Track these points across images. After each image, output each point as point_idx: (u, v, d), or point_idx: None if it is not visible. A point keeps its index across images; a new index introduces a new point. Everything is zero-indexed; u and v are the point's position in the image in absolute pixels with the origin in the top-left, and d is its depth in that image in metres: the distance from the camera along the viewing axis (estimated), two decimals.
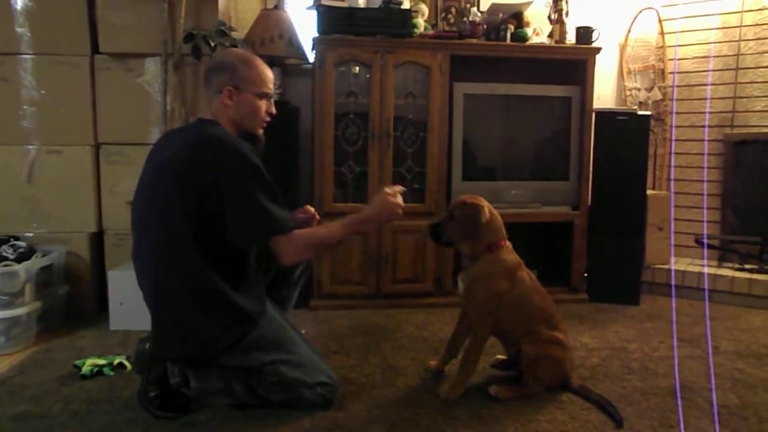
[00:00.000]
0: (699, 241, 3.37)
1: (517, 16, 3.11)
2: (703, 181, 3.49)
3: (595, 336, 2.53)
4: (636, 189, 3.09)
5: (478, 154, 3.09)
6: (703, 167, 3.48)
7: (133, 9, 2.63)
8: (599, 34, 3.09)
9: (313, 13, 2.85)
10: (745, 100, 3.38)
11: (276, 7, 3.08)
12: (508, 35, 3.04)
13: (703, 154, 3.48)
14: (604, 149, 3.07)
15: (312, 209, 2.00)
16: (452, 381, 1.91)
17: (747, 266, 3.17)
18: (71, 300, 2.62)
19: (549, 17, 3.16)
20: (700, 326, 2.68)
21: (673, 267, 3.24)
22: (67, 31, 2.62)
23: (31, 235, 2.60)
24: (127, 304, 2.42)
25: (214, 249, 1.63)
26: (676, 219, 3.41)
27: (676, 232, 3.41)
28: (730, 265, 3.25)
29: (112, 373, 2.02)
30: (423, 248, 2.93)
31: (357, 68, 2.93)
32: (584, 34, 3.07)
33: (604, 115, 3.09)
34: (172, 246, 1.63)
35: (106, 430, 1.65)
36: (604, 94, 3.64)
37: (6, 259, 2.32)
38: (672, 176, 3.59)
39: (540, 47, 3.08)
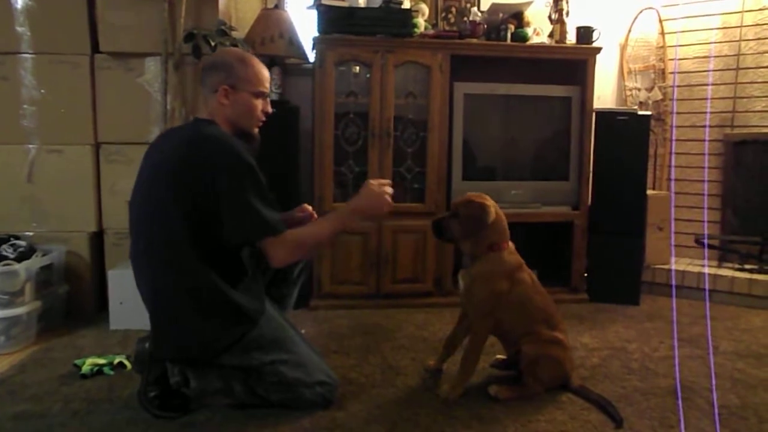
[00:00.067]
0: (699, 241, 3.37)
1: (517, 16, 3.11)
2: (703, 181, 3.49)
3: (595, 336, 2.53)
4: (636, 189, 3.08)
5: (479, 154, 3.09)
6: (703, 167, 3.48)
7: (133, 8, 2.63)
8: (599, 34, 3.09)
9: (314, 13, 2.85)
10: (745, 100, 3.38)
11: (276, 6, 3.08)
12: (509, 35, 3.04)
13: (703, 154, 3.48)
14: (605, 149, 3.07)
15: (309, 208, 2.00)
16: (452, 381, 1.91)
17: (747, 266, 3.17)
18: (71, 299, 2.62)
19: (549, 17, 3.16)
20: (700, 326, 2.68)
21: (673, 267, 3.24)
22: (68, 31, 2.62)
23: (31, 234, 2.60)
24: (127, 303, 2.42)
25: (211, 248, 1.63)
26: (676, 219, 3.41)
27: (676, 232, 3.41)
28: (730, 265, 3.25)
29: (112, 373, 2.02)
30: (423, 248, 2.93)
31: (357, 68, 2.93)
32: (585, 34, 3.07)
33: (604, 115, 3.09)
34: (169, 245, 1.63)
35: (106, 429, 1.65)
36: (605, 94, 3.64)
37: (6, 258, 2.32)
38: (672, 176, 3.59)
39: (540, 47, 3.08)
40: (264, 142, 2.66)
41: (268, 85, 1.82)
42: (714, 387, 2.00)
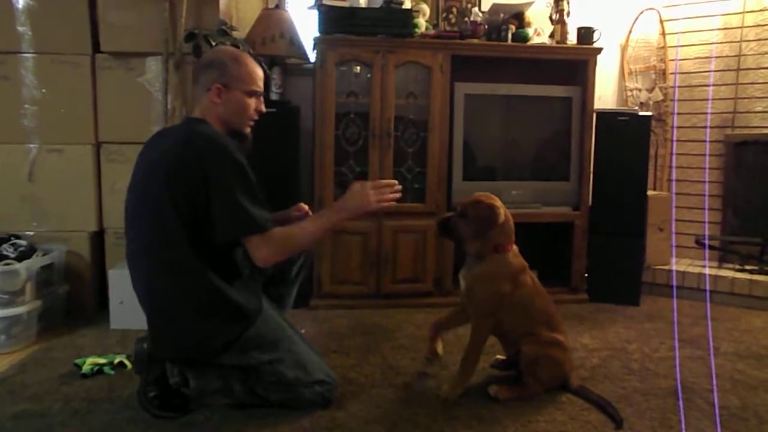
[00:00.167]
0: (699, 242, 3.37)
1: (518, 17, 3.11)
2: (703, 181, 3.48)
3: (595, 336, 2.53)
4: (637, 189, 3.08)
5: (479, 154, 3.09)
6: (704, 168, 3.48)
7: (134, 8, 2.63)
8: (600, 34, 3.09)
9: (314, 13, 2.85)
10: (746, 101, 3.38)
11: (277, 6, 3.08)
12: (509, 35, 3.04)
13: (704, 154, 3.48)
14: (605, 150, 3.07)
15: (306, 207, 1.99)
16: (452, 381, 1.91)
17: (747, 267, 3.17)
18: (72, 299, 2.62)
19: (550, 17, 3.16)
20: (700, 327, 2.67)
21: (673, 268, 3.24)
22: (69, 30, 2.62)
23: (31, 233, 2.60)
24: (128, 303, 2.41)
25: (208, 247, 1.63)
26: (676, 220, 3.41)
27: (676, 233, 3.41)
28: (731, 266, 3.25)
29: (112, 372, 2.02)
30: (423, 248, 2.92)
31: (358, 68, 2.93)
32: (585, 34, 3.07)
33: (605, 116, 3.09)
34: (165, 245, 1.63)
35: (107, 429, 1.65)
36: (605, 94, 3.64)
37: (7, 257, 2.32)
38: (673, 177, 3.59)
39: (541, 47, 3.08)
40: (265, 141, 2.67)
41: (261, 84, 1.81)
42: (714, 388, 2.00)
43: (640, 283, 3.11)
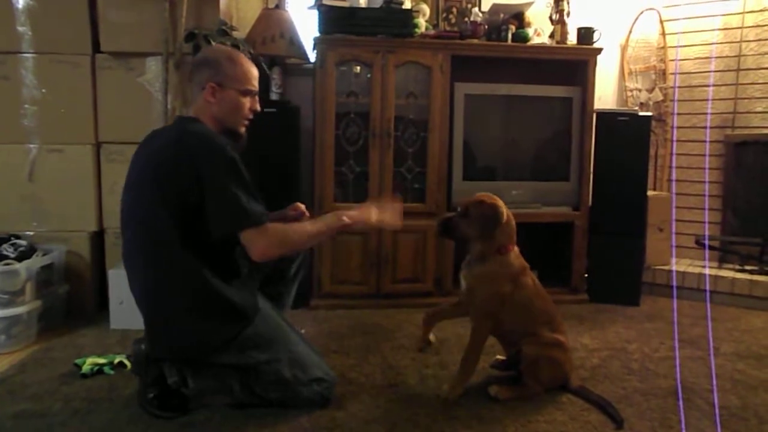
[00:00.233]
0: (700, 242, 3.37)
1: (518, 17, 3.11)
2: (703, 182, 3.48)
3: (595, 336, 2.53)
4: (637, 190, 3.08)
5: (479, 154, 3.09)
6: (703, 168, 3.48)
7: (134, 8, 2.63)
8: (600, 34, 3.09)
9: (314, 13, 2.85)
10: (746, 101, 3.38)
11: (277, 6, 3.08)
12: (509, 35, 3.04)
13: (704, 155, 3.48)
14: (605, 150, 3.07)
15: (302, 206, 1.99)
16: (452, 381, 1.91)
17: (747, 267, 3.17)
18: (72, 299, 2.62)
19: (550, 18, 3.16)
20: (700, 327, 2.67)
21: (673, 268, 3.24)
22: (69, 30, 2.62)
23: (31, 233, 2.60)
24: (128, 303, 2.39)
25: (202, 245, 1.62)
26: (676, 220, 3.41)
27: (676, 233, 3.41)
28: (731, 266, 3.25)
29: (112, 372, 2.02)
30: (423, 248, 2.93)
31: (358, 68, 2.93)
32: (585, 34, 3.07)
33: (605, 116, 3.09)
34: (160, 245, 1.62)
35: (107, 428, 1.65)
36: (605, 94, 3.64)
37: (7, 257, 2.32)
38: (673, 177, 3.59)
39: (541, 48, 3.08)
40: (265, 141, 2.68)
41: (256, 83, 1.80)
42: (714, 388, 2.00)
43: (640, 283, 3.11)
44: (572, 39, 3.11)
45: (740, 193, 3.35)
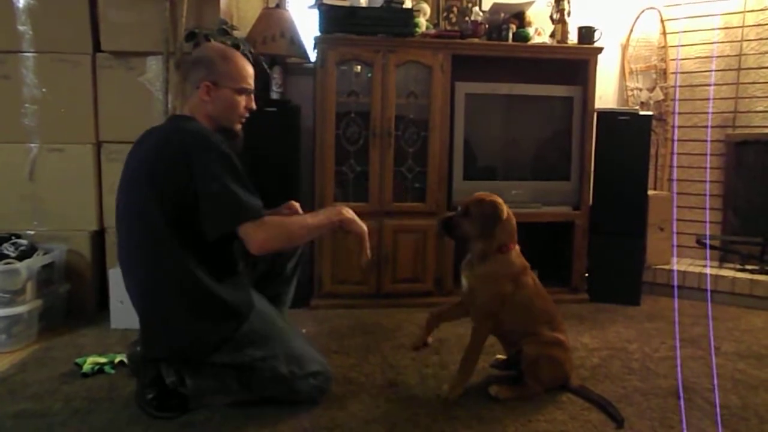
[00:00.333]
0: (700, 242, 3.37)
1: (519, 16, 3.10)
2: (704, 181, 3.48)
3: (596, 336, 2.53)
4: (637, 189, 3.08)
5: (480, 153, 3.09)
6: (704, 168, 3.48)
7: (134, 7, 2.63)
8: (601, 33, 3.09)
9: (315, 12, 2.85)
10: (747, 100, 3.37)
11: (278, 5, 3.08)
12: (510, 35, 3.04)
13: (704, 154, 3.47)
14: (606, 149, 3.07)
15: (296, 204, 1.98)
16: (452, 381, 1.91)
17: (748, 267, 3.17)
18: (72, 298, 2.62)
19: (551, 17, 3.15)
20: (700, 327, 2.67)
21: (674, 267, 3.24)
22: (69, 29, 2.62)
23: (32, 233, 2.60)
24: (128, 302, 2.38)
25: (196, 245, 1.62)
26: (677, 219, 3.41)
27: (677, 233, 3.41)
28: (732, 265, 3.25)
29: (113, 372, 2.02)
30: (423, 248, 2.92)
31: (358, 67, 2.93)
32: (586, 33, 3.07)
33: (605, 115, 3.09)
34: (153, 245, 1.62)
35: (107, 428, 1.65)
36: (606, 94, 3.64)
37: (7, 257, 2.32)
38: (673, 176, 3.59)
39: (542, 47, 3.07)
40: (265, 141, 2.68)
41: (251, 81, 1.80)
42: (715, 387, 1.99)
43: (641, 282, 3.11)
44: (573, 38, 3.11)
45: (741, 193, 3.35)
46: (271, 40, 2.87)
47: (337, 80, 2.84)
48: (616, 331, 2.61)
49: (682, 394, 1.93)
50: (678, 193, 3.54)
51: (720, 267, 3.26)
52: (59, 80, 2.63)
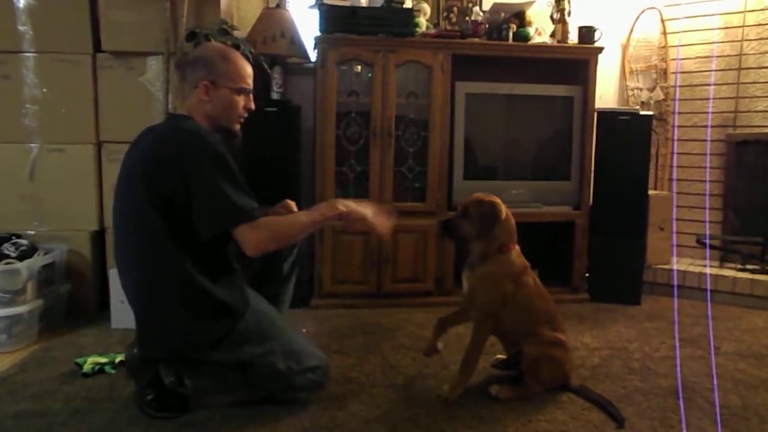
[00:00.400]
0: (700, 242, 3.37)
1: (519, 16, 3.10)
2: (705, 181, 3.48)
3: (596, 336, 2.53)
4: (637, 189, 3.08)
5: (480, 153, 3.09)
6: (705, 167, 3.48)
7: (135, 7, 2.62)
8: (601, 33, 3.09)
9: (315, 12, 2.85)
10: (747, 100, 3.37)
11: (278, 5, 3.08)
12: (510, 35, 3.03)
13: (705, 154, 3.47)
14: (606, 149, 3.07)
15: (292, 204, 1.97)
16: (452, 381, 1.91)
17: (749, 267, 3.17)
18: (73, 298, 2.62)
19: (551, 17, 3.15)
20: (701, 326, 2.67)
21: (674, 267, 3.24)
22: (69, 30, 2.62)
23: (32, 233, 2.60)
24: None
25: (191, 244, 1.61)
26: (677, 219, 3.41)
27: (677, 233, 3.41)
28: (732, 265, 3.25)
29: (113, 372, 2.02)
30: (424, 248, 2.92)
31: (359, 67, 2.93)
32: (586, 33, 3.07)
33: (606, 115, 3.09)
34: (148, 245, 1.62)
35: (107, 428, 1.65)
36: (606, 93, 3.64)
37: (8, 257, 2.32)
38: (674, 176, 3.59)
39: (542, 47, 3.07)
40: (266, 141, 2.68)
41: (250, 81, 1.79)
42: (715, 387, 1.99)
43: (641, 282, 3.11)
44: (573, 38, 3.11)
45: (741, 193, 3.35)
46: (271, 40, 2.87)
47: (337, 80, 2.84)
48: (616, 330, 2.61)
49: (682, 394, 1.93)
50: (678, 193, 3.54)
51: (720, 267, 3.26)
52: (60, 80, 2.64)
